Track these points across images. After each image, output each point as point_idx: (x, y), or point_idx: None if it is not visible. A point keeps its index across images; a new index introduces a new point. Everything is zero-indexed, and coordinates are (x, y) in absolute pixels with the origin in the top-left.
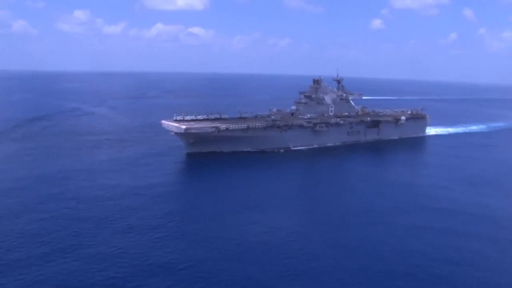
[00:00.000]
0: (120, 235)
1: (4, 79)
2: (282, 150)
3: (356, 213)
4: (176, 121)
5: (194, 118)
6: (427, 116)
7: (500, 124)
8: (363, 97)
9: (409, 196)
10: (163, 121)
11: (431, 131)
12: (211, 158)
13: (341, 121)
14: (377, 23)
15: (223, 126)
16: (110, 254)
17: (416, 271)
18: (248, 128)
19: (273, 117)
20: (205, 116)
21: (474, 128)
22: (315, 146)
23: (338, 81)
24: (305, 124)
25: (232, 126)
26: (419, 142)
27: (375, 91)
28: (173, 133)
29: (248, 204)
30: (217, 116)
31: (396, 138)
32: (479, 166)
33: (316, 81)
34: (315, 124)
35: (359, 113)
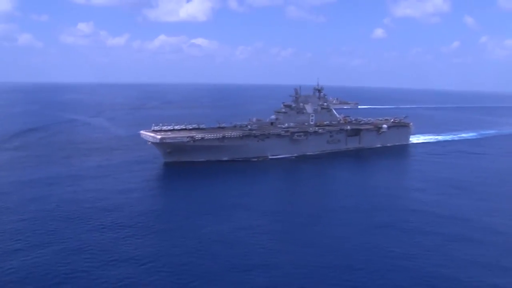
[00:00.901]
0: (92, 233)
1: (9, 92)
2: (258, 159)
3: (325, 214)
4: (154, 131)
5: (172, 128)
6: (411, 124)
7: (491, 132)
8: (359, 106)
9: (380, 198)
10: (141, 131)
11: (419, 139)
12: (188, 166)
13: (320, 130)
14: (379, 32)
15: (198, 135)
16: (79, 250)
17: (368, 266)
18: (224, 137)
19: (249, 126)
20: (182, 126)
21: (464, 135)
22: (294, 154)
23: (319, 90)
24: (282, 133)
25: (207, 136)
26: (401, 149)
27: (375, 100)
28: (150, 143)
29: (219, 207)
30: (195, 126)
31: (378, 146)
32: (454, 172)
33: (296, 91)
34: (293, 133)
35: (341, 121)
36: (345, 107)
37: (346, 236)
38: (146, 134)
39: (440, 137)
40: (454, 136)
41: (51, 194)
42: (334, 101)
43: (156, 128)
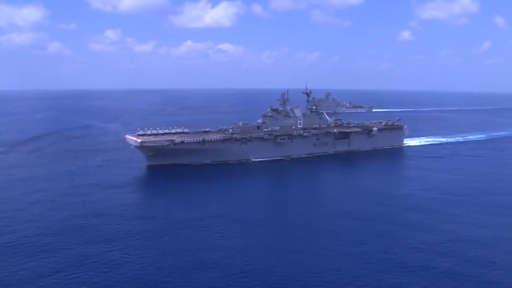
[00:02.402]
0: (76, 220)
1: (35, 99)
2: (240, 162)
3: (291, 205)
4: (139, 135)
5: (156, 132)
6: (405, 127)
7: (501, 133)
8: (373, 110)
9: (349, 191)
10: (126, 136)
11: (421, 141)
12: (170, 168)
13: (305, 133)
14: (405, 34)
15: (178, 139)
16: (58, 230)
17: (315, 251)
18: (204, 141)
19: (230, 130)
20: (166, 131)
21: (471, 137)
22: (278, 157)
23: (308, 94)
24: (265, 136)
25: (187, 139)
26: (392, 152)
27: (392, 103)
28: (133, 146)
29: (192, 200)
30: (179, 130)
31: (369, 149)
32: (434, 171)
33: (284, 95)
34: (276, 136)
35: (331, 125)
36: (359, 111)
37: (303, 223)
38: (130, 138)
39: (444, 139)
40: (460, 138)
41: (46, 188)
42: (347, 105)
43: (140, 132)
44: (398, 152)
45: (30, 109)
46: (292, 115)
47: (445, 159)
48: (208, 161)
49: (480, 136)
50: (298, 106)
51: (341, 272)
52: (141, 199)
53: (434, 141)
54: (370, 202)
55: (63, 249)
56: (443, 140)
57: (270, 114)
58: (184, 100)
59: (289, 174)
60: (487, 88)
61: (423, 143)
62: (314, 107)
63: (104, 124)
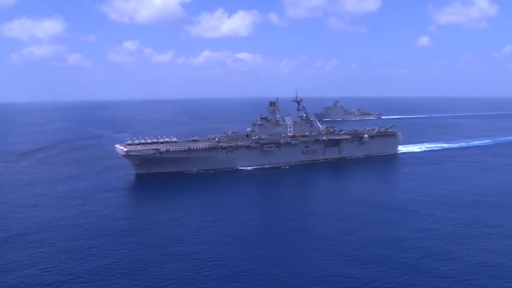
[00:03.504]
0: (68, 220)
1: (53, 110)
2: (226, 170)
3: (269, 207)
4: (126, 145)
5: (144, 141)
6: (399, 133)
7: (508, 138)
8: (383, 117)
9: (328, 193)
10: (116, 145)
11: (421, 147)
12: (156, 176)
13: (293, 141)
14: (423, 40)
15: (163, 148)
16: (47, 229)
17: (288, 246)
18: (190, 149)
19: (217, 138)
20: (154, 140)
21: (475, 143)
22: (266, 165)
23: (298, 102)
24: (252, 144)
25: (173, 148)
26: (383, 159)
27: (405, 110)
28: (120, 155)
29: (175, 208)
30: (167, 139)
31: (361, 156)
32: (416, 176)
33: (273, 103)
34: (263, 144)
35: (323, 132)
36: (367, 118)
37: (277, 223)
38: (118, 147)
39: (446, 145)
40: (464, 143)
41: (47, 194)
42: (356, 113)
43: (129, 141)
44: (390, 159)
45: (47, 120)
46: (282, 123)
47: (439, 165)
48: (195, 169)
49: (485, 142)
50: (289, 114)
51: (299, 266)
52: (129, 203)
53: (435, 147)
54: (350, 204)
55: (48, 246)
56: (445, 146)
57: (259, 122)
58: (199, 109)
59: (274, 181)
60: (510, 93)
61: (423, 149)
62: (304, 114)
63: (114, 134)
